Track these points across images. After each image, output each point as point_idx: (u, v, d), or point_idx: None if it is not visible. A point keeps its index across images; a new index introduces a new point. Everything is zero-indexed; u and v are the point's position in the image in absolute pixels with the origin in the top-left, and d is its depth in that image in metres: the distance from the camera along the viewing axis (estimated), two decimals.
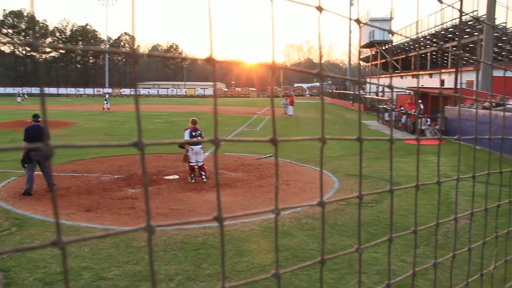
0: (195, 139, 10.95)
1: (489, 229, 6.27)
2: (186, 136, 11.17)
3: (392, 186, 1.30)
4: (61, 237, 0.71)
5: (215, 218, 0.88)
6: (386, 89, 38.46)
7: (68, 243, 0.71)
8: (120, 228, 6.91)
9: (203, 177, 11.33)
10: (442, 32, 36.31)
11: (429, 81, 39.21)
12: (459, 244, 6.57)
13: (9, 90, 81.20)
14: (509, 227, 2.05)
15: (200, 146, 11.36)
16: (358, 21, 1.26)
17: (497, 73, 23.34)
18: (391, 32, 1.47)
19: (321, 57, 1.15)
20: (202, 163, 11.42)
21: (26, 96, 52.30)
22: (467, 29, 33.09)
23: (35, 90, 77.70)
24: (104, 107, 38.59)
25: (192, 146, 11.24)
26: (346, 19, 1.19)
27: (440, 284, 5.30)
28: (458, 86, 23.69)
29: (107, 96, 41.39)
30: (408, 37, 1.62)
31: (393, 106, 25.72)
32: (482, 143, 14.40)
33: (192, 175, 11.32)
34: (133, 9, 0.81)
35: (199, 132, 11.39)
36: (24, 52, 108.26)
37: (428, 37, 38.72)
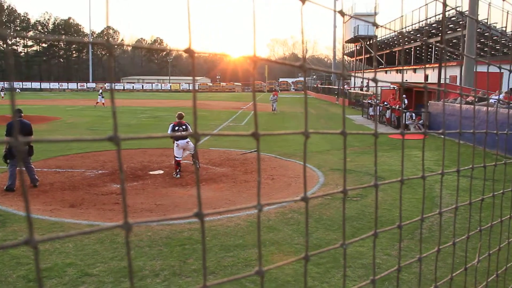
0: (178, 133, 11.02)
1: (472, 223, 6.35)
2: (169, 131, 11.16)
3: (377, 180, 1.31)
4: (33, 236, 0.69)
5: (196, 214, 0.87)
6: (371, 84, 38.71)
7: (40, 242, 0.70)
8: (99, 226, 6.87)
9: (197, 164, 11.37)
10: (426, 28, 36.60)
11: (413, 76, 39.55)
12: (443, 237, 6.65)
13: None
14: (492, 220, 2.08)
15: (186, 140, 11.25)
16: (341, 12, 1.25)
17: (480, 68, 23.61)
18: (375, 25, 1.47)
19: (305, 49, 1.14)
20: (195, 151, 11.37)
21: (2, 93, 51.21)
22: (450, 24, 33.41)
23: (16, 84, 76.45)
24: (98, 101, 37.52)
25: (178, 142, 11.19)
26: (331, 13, 1.19)
27: (424, 277, 5.37)
28: (442, 81, 23.92)
29: (100, 91, 40.47)
30: (392, 30, 1.62)
31: (378, 101, 25.86)
32: (465, 137, 14.53)
33: (178, 170, 11.25)
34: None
35: (184, 127, 11.31)
36: (4, 46, 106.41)
37: (412, 32, 39.00)
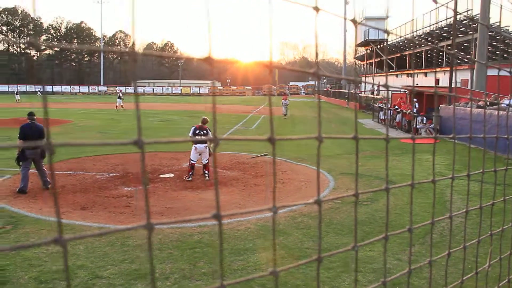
0: (197, 137, 10.80)
1: (484, 228, 6.30)
2: (190, 133, 11.15)
3: (388, 184, 1.31)
4: (62, 234, 0.71)
5: (214, 216, 0.89)
6: (382, 88, 38.56)
7: (69, 240, 0.72)
8: (119, 227, 6.91)
9: (206, 175, 11.33)
10: (437, 31, 36.41)
11: (424, 80, 39.31)
12: (454, 243, 6.61)
13: (4, 88, 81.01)
14: (504, 225, 2.07)
15: (205, 145, 11.19)
16: (354, 21, 1.26)
17: (491, 72, 23.43)
18: (387, 32, 1.48)
19: (317, 56, 1.15)
20: (207, 161, 11.32)
21: (18, 96, 52.24)
22: (461, 28, 33.21)
23: (29, 88, 77.42)
24: (118, 104, 38.11)
25: (196, 145, 11.15)
26: (342, 18, 1.20)
27: (435, 282, 5.33)
28: (453, 85, 23.76)
29: (120, 94, 41.09)
30: (402, 36, 1.62)
31: (389, 105, 25.73)
32: (476, 141, 14.44)
33: (190, 173, 11.21)
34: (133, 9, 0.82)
35: (205, 131, 11.21)
36: (18, 49, 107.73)
37: (423, 36, 38.83)
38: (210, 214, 0.89)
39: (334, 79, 74.94)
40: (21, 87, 77.33)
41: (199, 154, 11.30)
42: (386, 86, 1.48)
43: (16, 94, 53.31)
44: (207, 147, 11.25)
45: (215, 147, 0.94)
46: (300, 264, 1.11)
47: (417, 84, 36.50)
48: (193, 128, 11.33)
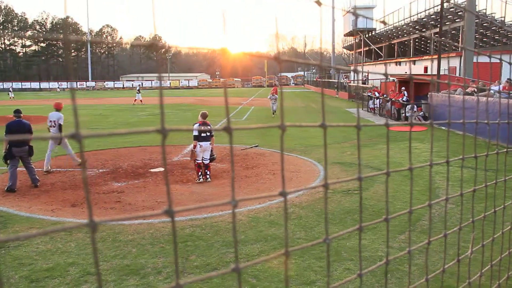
0: (204, 134, 10.26)
1: (474, 213, 6.36)
2: (195, 132, 10.39)
3: (388, 168, 1.33)
4: (93, 218, 0.77)
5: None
6: (370, 77, 38.63)
7: (99, 223, 0.74)
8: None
9: (208, 176, 10.59)
10: (425, 19, 36.49)
11: (413, 68, 39.43)
12: (443, 229, 6.66)
13: None
14: (486, 211, 2.07)
15: (209, 142, 10.58)
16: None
17: (480, 59, 23.53)
18: (383, 22, 1.46)
19: (321, 48, 1.14)
20: (208, 161, 10.61)
21: (11, 94, 52.25)
22: (449, 15, 33.30)
23: (15, 84, 76.94)
24: (136, 99, 38.61)
25: (201, 143, 10.46)
26: (330, 8, 1.19)
27: (425, 267, 5.37)
28: (442, 73, 23.86)
29: (138, 88, 41.38)
30: (392, 24, 1.61)
31: (384, 95, 25.73)
32: (467, 129, 14.65)
33: (200, 174, 10.56)
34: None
35: (209, 127, 10.46)
36: (3, 46, 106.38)
37: (410, 24, 38.90)
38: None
39: (323, 69, 74.89)
40: (16, 85, 77.09)
41: (203, 152, 10.56)
42: (385, 74, 1.48)
43: (10, 91, 53.17)
44: (211, 144, 10.67)
45: (231, 138, 0.95)
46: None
47: (405, 72, 36.63)
48: (197, 125, 10.42)
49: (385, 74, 1.36)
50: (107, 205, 8.70)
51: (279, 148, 12.09)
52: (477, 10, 26.85)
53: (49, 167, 11.68)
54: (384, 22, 1.42)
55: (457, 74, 27.56)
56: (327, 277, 1.18)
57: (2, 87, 78.15)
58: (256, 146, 14.69)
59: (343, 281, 1.21)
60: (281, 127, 1.00)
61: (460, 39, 27.89)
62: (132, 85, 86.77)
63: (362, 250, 6.15)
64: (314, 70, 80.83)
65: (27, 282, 5.41)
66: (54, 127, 12.03)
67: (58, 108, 12.22)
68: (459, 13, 30.75)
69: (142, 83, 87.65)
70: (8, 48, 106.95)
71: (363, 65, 54.87)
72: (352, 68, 1.27)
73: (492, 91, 15.54)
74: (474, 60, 22.59)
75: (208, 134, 10.46)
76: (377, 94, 27.06)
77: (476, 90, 17.04)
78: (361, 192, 1.27)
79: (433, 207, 7.61)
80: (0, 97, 54.19)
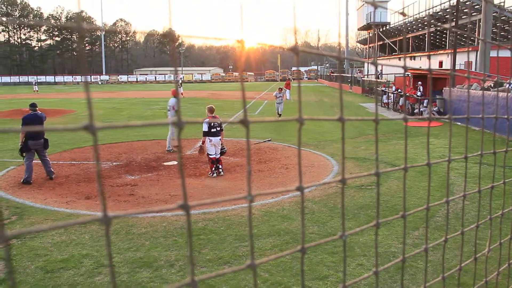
0: (213, 130, 10.26)
1: (487, 210, 6.29)
2: (205, 128, 10.33)
3: (406, 164, 1.32)
4: (107, 212, 0.77)
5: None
6: (384, 71, 38.34)
7: (113, 218, 0.75)
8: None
9: (220, 170, 10.55)
10: (440, 13, 36.05)
11: (426, 63, 39.03)
12: (458, 226, 6.59)
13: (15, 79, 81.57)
14: (504, 209, 2.04)
15: (219, 137, 10.48)
16: None
17: (494, 53, 23.21)
18: (402, 13, 1.45)
19: (340, 41, 1.13)
20: (219, 155, 10.57)
21: (36, 87, 53.43)
22: (465, 9, 32.85)
23: (31, 78, 78.06)
24: (182, 92, 38.40)
25: (211, 138, 10.35)
26: (344, 1, 1.18)
27: (441, 265, 5.32)
28: (457, 67, 23.58)
29: (180, 81, 41.76)
30: (413, 16, 1.59)
31: (400, 91, 25.48)
32: (479, 124, 14.34)
33: (214, 169, 10.48)
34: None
35: (218, 122, 10.41)
36: (19, 40, 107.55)
37: (425, 18, 38.46)
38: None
39: (336, 63, 74.41)
40: (32, 78, 78.34)
41: (215, 147, 10.46)
42: (404, 67, 1.46)
43: (35, 85, 54.37)
44: (221, 139, 10.60)
45: (248, 130, 0.96)
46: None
47: (420, 66, 36.28)
48: (206, 121, 10.04)
49: (404, 67, 1.34)
50: (121, 198, 8.77)
51: (292, 142, 12.12)
52: (494, 2, 26.45)
53: (171, 147, 13.44)
54: (403, 14, 1.40)
55: (473, 69, 27.21)
56: (344, 274, 1.17)
57: (27, 80, 79.61)
58: (269, 140, 14.69)
59: (358, 278, 1.20)
60: (299, 120, 0.99)
61: (476, 33, 27.50)
62: (146, 79, 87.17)
63: (374, 246, 6.12)
64: (327, 64, 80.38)
65: (43, 272, 5.49)
66: (170, 111, 14.00)
67: (174, 94, 13.69)
68: (475, 7, 30.30)
69: (156, 77, 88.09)
70: (24, 42, 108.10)
71: (377, 59, 54.38)
72: (371, 61, 1.24)
73: (507, 86, 15.32)
74: (493, 55, 22.28)
75: (218, 129, 10.45)
76: (394, 89, 26.82)
77: (492, 85, 16.82)
78: (378, 188, 1.26)
79: (445, 204, 7.54)
80: (25, 90, 55.17)
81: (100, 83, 74.63)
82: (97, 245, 6.29)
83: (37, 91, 51.51)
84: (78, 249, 6.15)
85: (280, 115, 21.56)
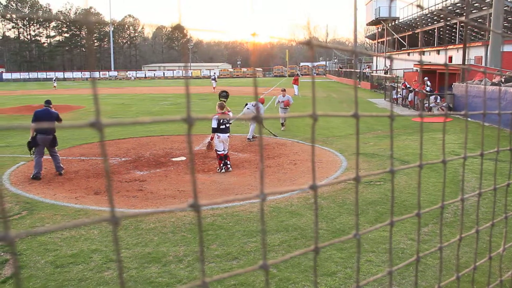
0: (223, 126, 10.26)
1: (499, 207, 6.22)
2: (214, 124, 10.33)
3: (421, 161, 1.31)
4: (115, 214, 0.76)
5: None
6: (401, 65, 38.05)
7: (121, 219, 0.74)
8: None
9: (228, 165, 10.55)
10: (450, 7, 35.73)
11: (436, 58, 38.75)
12: (470, 222, 6.54)
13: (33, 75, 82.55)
14: None
15: (228, 134, 10.52)
16: None
17: (507, 48, 22.99)
18: (419, 6, 1.43)
19: (355, 36, 1.11)
20: (227, 151, 10.59)
21: (55, 83, 54.42)
22: (475, 3, 32.53)
23: (40, 74, 78.81)
24: (214, 86, 40.25)
25: (219, 134, 10.37)
26: None
27: (450, 262, 5.29)
28: (466, 62, 23.38)
29: (214, 76, 43.29)
30: (427, 8, 1.57)
31: (409, 86, 25.29)
32: (491, 119, 14.19)
33: (222, 165, 10.49)
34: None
35: (228, 119, 10.38)
36: (29, 37, 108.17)
37: (435, 12, 38.14)
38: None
39: (345, 59, 74.18)
40: (41, 74, 79.61)
41: (223, 143, 10.46)
42: (421, 62, 1.44)
43: (54, 81, 55.48)
44: (229, 137, 10.61)
45: (261, 127, 0.95)
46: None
47: (429, 62, 36.00)
48: (215, 117, 10.25)
49: (420, 62, 1.32)
50: (130, 194, 8.80)
51: (301, 138, 12.07)
52: None
53: (253, 136, 14.38)
54: (420, 7, 1.38)
55: (483, 64, 26.95)
56: (357, 274, 1.16)
57: (45, 76, 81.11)
58: (276, 136, 14.68)
59: (372, 278, 1.18)
60: (313, 116, 0.97)
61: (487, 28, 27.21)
62: (154, 75, 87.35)
63: (383, 242, 6.10)
64: (335, 60, 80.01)
65: (53, 267, 5.52)
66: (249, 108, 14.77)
67: (262, 102, 16.64)
68: (486, 1, 29.98)
69: (164, 73, 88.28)
70: (33, 39, 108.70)
71: (385, 54, 54.04)
72: (387, 55, 1.23)
73: None
74: (505, 49, 22.04)
75: (227, 125, 10.47)
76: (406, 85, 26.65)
77: (503, 80, 16.65)
78: (392, 185, 1.24)
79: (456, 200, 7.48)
80: (44, 86, 55.97)
81: (133, 78, 77.00)
82: (106, 240, 6.32)
83: (56, 86, 52.21)
84: (87, 244, 6.18)
85: (283, 124, 16.82)
